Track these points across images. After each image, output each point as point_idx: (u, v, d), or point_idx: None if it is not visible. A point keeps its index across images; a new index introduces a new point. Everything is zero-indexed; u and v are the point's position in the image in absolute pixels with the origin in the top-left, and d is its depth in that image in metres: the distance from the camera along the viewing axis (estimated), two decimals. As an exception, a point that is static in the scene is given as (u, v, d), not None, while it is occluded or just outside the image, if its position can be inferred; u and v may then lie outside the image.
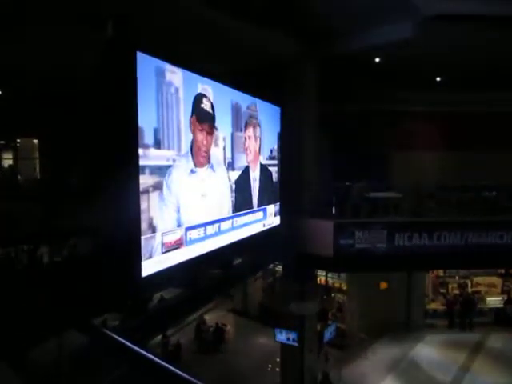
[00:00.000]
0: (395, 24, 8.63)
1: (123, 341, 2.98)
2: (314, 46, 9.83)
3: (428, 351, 13.75)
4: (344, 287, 14.94)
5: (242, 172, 7.99)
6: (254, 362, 13.02)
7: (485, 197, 10.91)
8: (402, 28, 8.62)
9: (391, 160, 13.75)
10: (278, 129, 9.59)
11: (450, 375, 12.25)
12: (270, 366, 12.34)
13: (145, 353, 2.78)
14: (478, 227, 9.82)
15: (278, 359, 11.57)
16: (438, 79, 12.83)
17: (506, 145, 13.25)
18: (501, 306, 15.77)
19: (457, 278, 16.33)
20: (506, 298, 15.85)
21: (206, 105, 6.41)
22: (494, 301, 16.00)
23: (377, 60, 10.90)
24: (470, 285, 16.25)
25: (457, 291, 16.10)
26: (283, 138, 9.70)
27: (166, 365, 2.62)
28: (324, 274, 14.74)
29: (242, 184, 7.92)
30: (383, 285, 14.44)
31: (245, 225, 8.08)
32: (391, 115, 13.27)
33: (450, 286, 16.33)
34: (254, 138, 8.47)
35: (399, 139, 13.47)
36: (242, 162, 7.99)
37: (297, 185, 10.17)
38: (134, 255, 4.99)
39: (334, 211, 10.20)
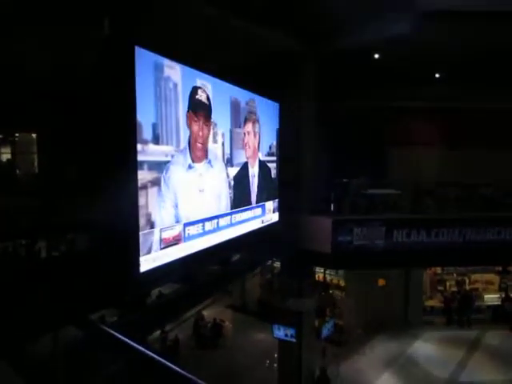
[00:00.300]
0: (394, 19, 8.59)
1: (121, 336, 2.98)
2: (313, 42, 9.78)
3: (426, 348, 13.80)
4: (342, 284, 14.98)
5: (241, 168, 7.97)
6: (252, 358, 13.05)
7: (482, 194, 10.93)
8: (401, 24, 8.58)
9: (390, 156, 13.75)
10: (276, 125, 9.56)
11: (447, 372, 12.30)
12: (268, 361, 12.36)
13: (142, 348, 2.78)
14: (475, 224, 9.85)
15: (276, 355, 11.60)
16: (437, 75, 12.81)
17: (504, 141, 13.24)
18: (498, 303, 15.81)
19: (454, 275, 16.37)
20: (503, 296, 15.90)
21: (201, 96, 6.37)
22: (492, 298, 16.05)
23: (376, 56, 10.88)
24: (467, 282, 16.30)
25: (454, 288, 16.14)
26: (282, 134, 9.68)
27: (163, 360, 2.62)
28: (322, 270, 14.78)
29: (240, 180, 7.90)
30: (381, 281, 14.49)
31: (243, 221, 8.07)
32: (390, 111, 13.23)
33: (447, 284, 16.37)
34: (253, 134, 8.44)
35: (398, 136, 13.45)
36: (240, 158, 7.97)
37: (295, 181, 10.16)
38: (133, 250, 4.98)
39: (332, 208, 10.21)
